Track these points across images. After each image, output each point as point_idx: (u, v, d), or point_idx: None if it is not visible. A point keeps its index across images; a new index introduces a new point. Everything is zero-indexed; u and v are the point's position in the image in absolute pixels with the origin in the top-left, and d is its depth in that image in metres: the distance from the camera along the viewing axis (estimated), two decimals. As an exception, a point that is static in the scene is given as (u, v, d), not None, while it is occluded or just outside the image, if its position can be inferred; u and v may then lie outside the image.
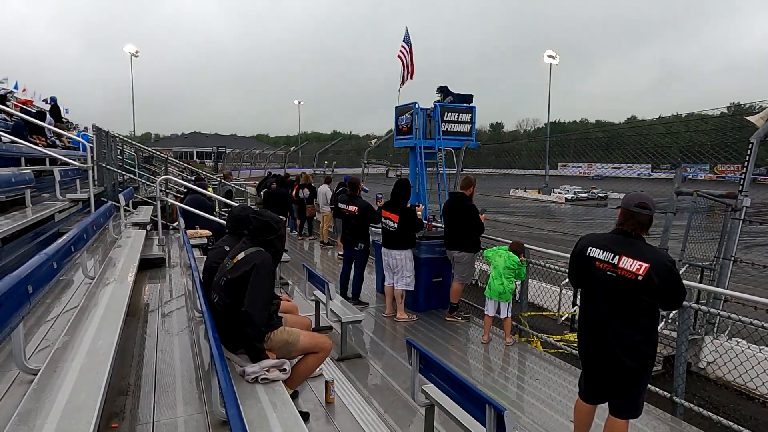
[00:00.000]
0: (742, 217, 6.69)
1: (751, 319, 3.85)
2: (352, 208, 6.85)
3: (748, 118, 7.03)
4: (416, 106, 10.74)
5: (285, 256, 8.19)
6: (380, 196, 8.92)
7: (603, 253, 2.82)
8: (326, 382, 3.50)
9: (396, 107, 11.60)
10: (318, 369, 3.86)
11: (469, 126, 11.27)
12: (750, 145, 6.72)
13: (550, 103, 52.41)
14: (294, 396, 3.41)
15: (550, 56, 49.42)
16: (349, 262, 7.06)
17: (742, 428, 3.83)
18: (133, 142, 16.38)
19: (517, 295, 6.37)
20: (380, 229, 6.61)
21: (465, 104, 11.35)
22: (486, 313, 5.65)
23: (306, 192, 12.43)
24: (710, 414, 4.04)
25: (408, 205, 6.38)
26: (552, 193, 37.88)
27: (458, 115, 11.15)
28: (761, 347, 6.02)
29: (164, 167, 14.41)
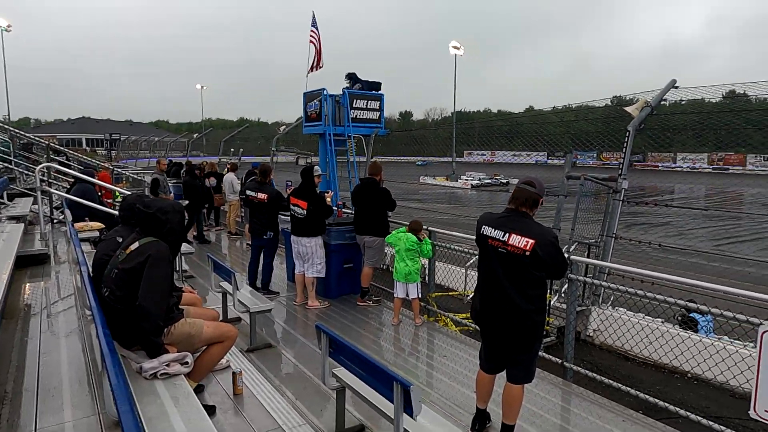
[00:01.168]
0: (621, 198, 7.42)
1: (627, 288, 4.30)
2: (262, 196, 6.66)
3: (625, 108, 7.77)
4: (324, 92, 10.62)
5: (188, 248, 7.80)
6: (290, 183, 8.77)
7: (495, 231, 3.04)
8: (233, 373, 3.40)
9: (304, 93, 11.39)
10: (225, 360, 3.74)
11: (378, 113, 11.36)
12: (627, 133, 7.46)
13: (455, 93, 54.37)
14: (199, 390, 3.28)
15: (455, 47, 51.10)
16: (257, 251, 6.88)
17: (620, 385, 4.30)
18: (8, 127, 14.60)
19: (426, 278, 6.59)
20: (289, 217, 6.50)
21: (374, 92, 11.43)
22: (395, 295, 5.79)
23: (213, 181, 11.87)
24: (595, 375, 4.49)
25: (317, 192, 6.33)
26: (459, 180, 39.47)
27: (367, 102, 11.20)
28: (637, 314, 6.76)
29: (46, 155, 13.02)
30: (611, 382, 4.37)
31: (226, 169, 12.57)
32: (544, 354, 5.20)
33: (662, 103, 9.59)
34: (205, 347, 3.13)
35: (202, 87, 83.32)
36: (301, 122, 12.15)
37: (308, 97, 11.35)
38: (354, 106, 11.12)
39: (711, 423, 3.79)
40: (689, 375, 6.36)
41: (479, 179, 38.99)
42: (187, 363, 2.75)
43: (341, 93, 10.91)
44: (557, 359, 4.81)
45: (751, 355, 4.77)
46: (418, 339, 5.46)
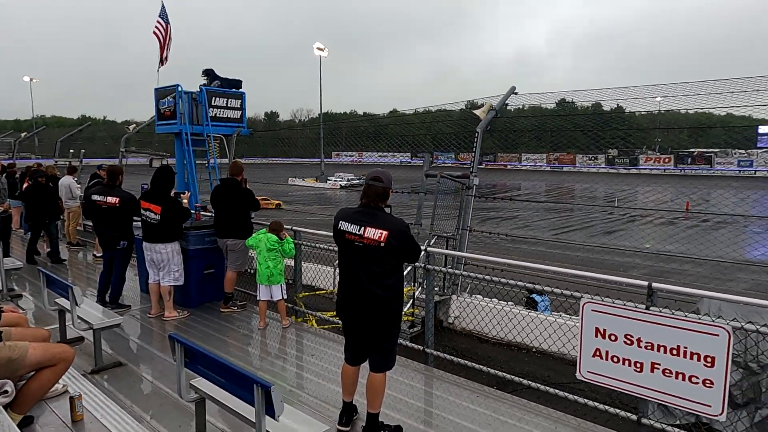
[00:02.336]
0: (473, 194, 8.08)
1: (479, 275, 4.70)
2: (112, 200, 5.94)
3: (474, 111, 8.47)
4: (179, 88, 9.93)
5: (15, 263, 6.76)
6: (145, 186, 8.01)
7: (351, 226, 3.16)
8: (71, 398, 3.02)
9: (156, 89, 10.53)
10: (62, 386, 3.31)
11: (240, 112, 10.93)
12: (476, 134, 8.14)
13: (321, 95, 54.66)
14: (27, 422, 2.85)
15: (319, 48, 51.28)
16: (109, 263, 6.13)
17: (476, 365, 4.67)
18: None
19: (293, 278, 6.51)
20: (140, 223, 5.95)
21: (234, 89, 10.98)
22: (258, 298, 5.62)
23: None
24: (453, 358, 4.82)
25: (172, 193, 5.89)
26: (328, 181, 39.70)
27: (227, 101, 10.72)
28: (492, 300, 7.41)
29: None
30: (466, 362, 4.74)
31: (65, 172, 11.09)
32: (408, 343, 5.46)
33: (508, 108, 10.64)
34: (32, 373, 2.74)
35: (31, 80, 72.79)
36: (154, 120, 11.22)
37: (160, 93, 10.52)
38: (213, 104, 10.57)
39: (548, 388, 4.29)
40: (534, 349, 7.15)
41: (348, 180, 39.63)
42: (7, 392, 2.38)
43: (198, 90, 10.30)
44: (419, 347, 5.06)
45: (576, 325, 5.50)
46: (286, 341, 5.37)
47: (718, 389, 3.09)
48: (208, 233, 6.18)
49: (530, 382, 4.40)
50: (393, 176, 3.33)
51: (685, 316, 3.25)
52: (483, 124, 8.03)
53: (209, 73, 10.88)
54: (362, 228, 3.09)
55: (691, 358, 3.18)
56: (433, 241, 7.82)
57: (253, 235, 5.70)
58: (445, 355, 4.83)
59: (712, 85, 7.92)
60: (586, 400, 3.96)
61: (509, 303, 7.72)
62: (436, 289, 8.24)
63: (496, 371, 4.58)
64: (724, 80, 7.84)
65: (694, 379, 3.18)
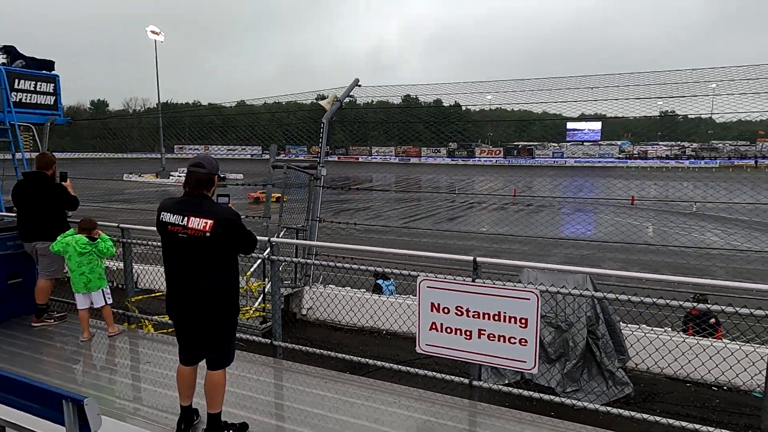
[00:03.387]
0: (321, 185, 8.11)
1: (326, 263, 4.73)
2: None
3: (319, 102, 8.49)
4: (-32, 68, 8.29)
5: None
6: None
7: (173, 216, 2.94)
8: None
9: (-65, 68, 8.65)
10: None
11: (54, 98, 9.50)
12: (322, 124, 8.18)
13: (159, 82, 49.90)
14: None
15: (153, 32, 46.77)
16: None
17: (323, 351, 4.71)
18: None
19: (122, 284, 5.88)
20: None
21: (45, 72, 9.50)
22: (79, 308, 4.94)
23: None
24: (301, 347, 4.79)
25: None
26: (171, 177, 36.72)
27: (36, 84, 9.24)
28: (344, 288, 7.54)
29: None
30: (314, 350, 4.75)
31: None
32: (261, 339, 5.29)
33: (357, 102, 10.85)
34: None
35: None
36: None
37: (-59, 72, 8.69)
38: (17, 87, 9.05)
39: (392, 366, 4.49)
40: (385, 332, 7.46)
41: (194, 175, 37.05)
42: None
43: (-5, 70, 8.72)
44: (267, 340, 4.94)
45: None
46: (116, 350, 4.82)
47: (531, 347, 3.53)
48: (10, 236, 5.25)
49: (376, 362, 4.56)
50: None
51: (503, 285, 3.65)
52: (328, 114, 8.09)
53: (9, 51, 9.28)
54: (185, 218, 2.89)
55: (510, 321, 3.57)
56: (282, 233, 7.68)
57: (59, 238, 4.91)
58: (293, 345, 4.77)
59: (530, 84, 8.96)
60: (425, 372, 4.23)
61: (360, 290, 7.95)
62: (287, 281, 8.16)
63: (344, 355, 4.66)
64: (538, 79, 8.94)
65: (512, 340, 3.58)
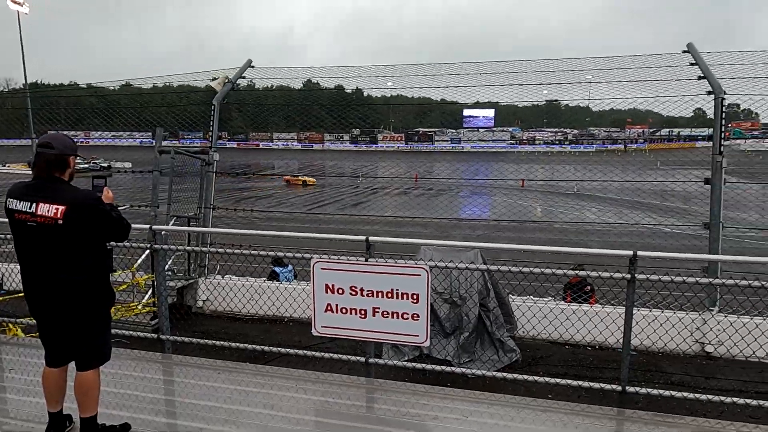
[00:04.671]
0: (214, 170, 7.72)
1: (221, 250, 4.51)
2: None
3: (209, 83, 8.04)
4: None
5: None
6: None
7: (21, 203, 2.63)
8: None
9: None
10: None
11: None
12: (213, 107, 7.76)
13: (24, 59, 43.66)
14: None
15: (15, 1, 40.65)
16: None
17: (217, 342, 4.53)
18: None
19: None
20: None
21: None
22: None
23: None
24: (192, 340, 4.56)
25: None
26: (45, 166, 32.92)
27: None
28: (242, 278, 7.28)
29: None
30: (214, 342, 4.56)
31: None
32: (146, 334, 4.95)
33: (256, 86, 10.37)
34: None
35: None
36: None
37: None
38: None
39: (294, 351, 4.44)
40: (286, 319, 7.34)
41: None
42: None
43: None
44: (153, 335, 4.65)
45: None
46: (-28, 360, 4.27)
47: (423, 321, 3.65)
48: None
49: (272, 348, 4.48)
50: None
51: (395, 262, 3.73)
52: (219, 96, 7.69)
53: None
54: (34, 204, 2.58)
55: (403, 297, 3.67)
56: (171, 222, 7.22)
57: None
58: (185, 338, 4.53)
59: (428, 69, 9.08)
60: (322, 354, 4.23)
61: (260, 279, 7.73)
62: (180, 273, 7.72)
63: (239, 344, 4.52)
64: (436, 64, 9.07)
65: (405, 316, 3.68)
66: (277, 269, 8.02)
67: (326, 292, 3.79)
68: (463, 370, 4.28)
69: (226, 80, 7.86)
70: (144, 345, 4.77)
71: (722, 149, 6.03)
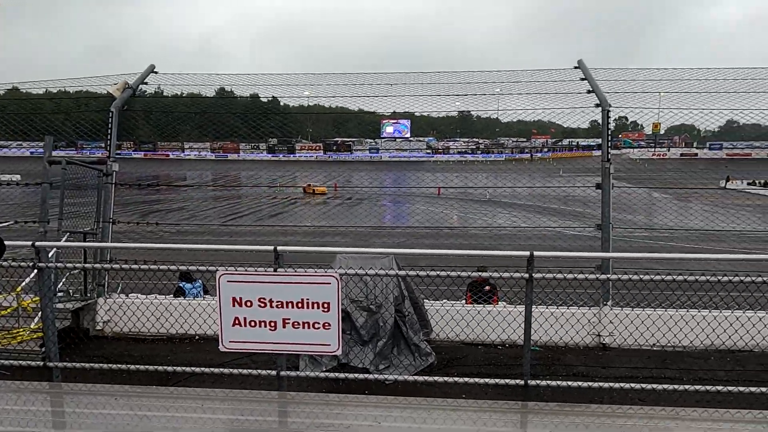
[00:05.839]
0: (113, 182, 7.20)
1: (111, 265, 4.20)
2: None
3: (107, 89, 7.52)
4: None
5: None
6: None
7: None
8: None
9: None
10: None
11: None
12: (111, 113, 7.26)
13: None
14: None
15: None
16: None
17: (114, 365, 4.20)
18: None
19: None
20: None
21: None
22: None
23: None
24: (84, 365, 4.20)
25: None
26: None
27: None
28: (150, 296, 6.81)
29: None
30: (111, 365, 4.23)
31: None
32: (30, 363, 4.48)
33: (164, 94, 9.79)
34: None
35: None
36: None
37: None
38: None
39: (200, 369, 4.22)
40: (197, 337, 6.98)
41: (-50, 178, 29.95)
42: None
43: None
44: (41, 363, 4.23)
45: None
46: None
47: (334, 330, 3.62)
48: None
49: (176, 368, 4.24)
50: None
51: (305, 272, 3.67)
52: (117, 102, 7.21)
53: None
54: None
55: (313, 307, 3.61)
56: (64, 239, 6.62)
57: None
58: (74, 364, 4.16)
59: (345, 78, 9.04)
60: (230, 370, 4.06)
61: (168, 296, 7.29)
62: (76, 294, 7.09)
63: (138, 366, 4.23)
64: (354, 74, 9.03)
65: (316, 326, 3.62)
66: (183, 285, 7.59)
67: (233, 305, 3.65)
68: (379, 376, 4.29)
69: (126, 86, 7.40)
70: (30, 375, 4.32)
71: (609, 156, 6.60)
